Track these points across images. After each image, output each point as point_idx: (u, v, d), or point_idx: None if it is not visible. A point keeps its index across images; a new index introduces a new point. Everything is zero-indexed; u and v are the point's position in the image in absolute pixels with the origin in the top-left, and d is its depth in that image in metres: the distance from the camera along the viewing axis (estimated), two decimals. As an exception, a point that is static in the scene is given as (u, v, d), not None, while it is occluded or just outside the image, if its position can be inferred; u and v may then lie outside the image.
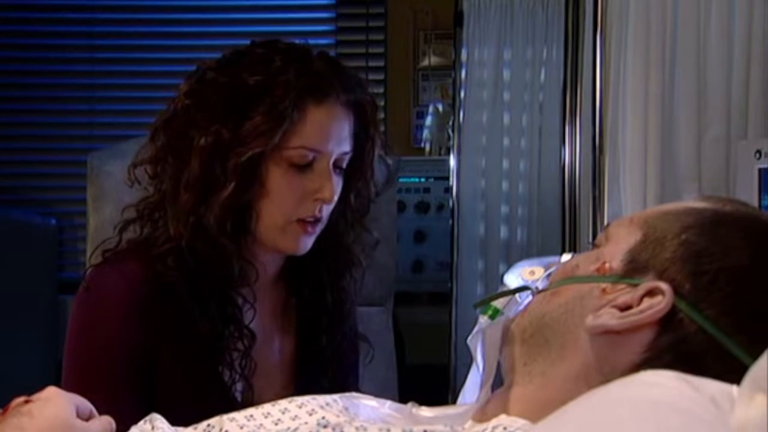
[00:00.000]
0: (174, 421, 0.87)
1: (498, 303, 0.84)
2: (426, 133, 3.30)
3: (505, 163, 2.94)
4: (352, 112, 1.25)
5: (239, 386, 1.25)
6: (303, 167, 1.21)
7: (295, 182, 1.21)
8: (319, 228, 1.25)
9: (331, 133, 1.22)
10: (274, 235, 1.23)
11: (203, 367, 1.22)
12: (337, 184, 1.24)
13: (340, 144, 1.23)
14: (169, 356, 1.21)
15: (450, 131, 3.00)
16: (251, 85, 1.20)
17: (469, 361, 0.88)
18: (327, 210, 1.25)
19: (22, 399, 0.81)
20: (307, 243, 1.25)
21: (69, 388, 1.17)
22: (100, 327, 1.20)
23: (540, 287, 0.84)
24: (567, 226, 2.47)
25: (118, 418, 0.88)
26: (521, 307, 0.84)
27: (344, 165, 1.26)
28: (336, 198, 1.23)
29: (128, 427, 0.87)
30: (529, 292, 0.84)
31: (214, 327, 1.21)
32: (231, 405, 1.12)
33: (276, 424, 0.80)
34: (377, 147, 1.29)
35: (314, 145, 1.21)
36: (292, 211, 1.22)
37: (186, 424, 0.85)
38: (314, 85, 1.21)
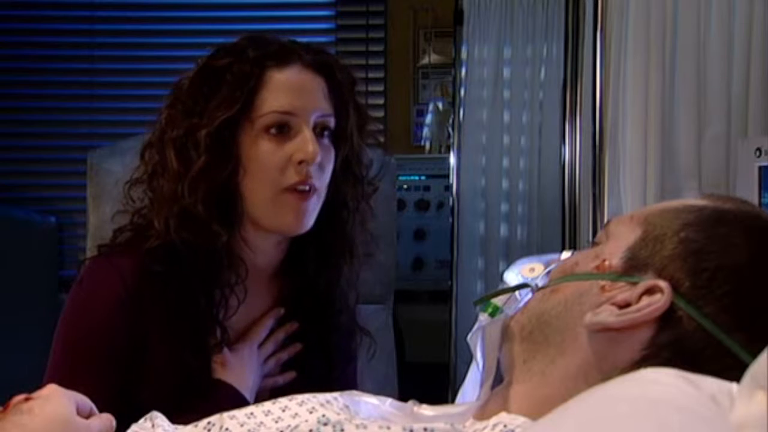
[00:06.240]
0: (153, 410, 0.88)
1: (498, 300, 0.84)
2: (426, 131, 3.30)
3: (505, 161, 2.94)
4: (322, 75, 1.23)
5: None
6: (281, 135, 1.20)
7: (274, 150, 1.19)
8: (314, 200, 1.22)
9: (298, 93, 1.20)
10: (268, 211, 1.21)
11: (193, 366, 1.21)
12: (326, 149, 1.22)
13: (314, 105, 1.21)
14: (158, 352, 1.20)
15: (450, 129, 3.01)
16: (218, 67, 1.21)
17: (469, 358, 0.88)
18: (317, 173, 1.21)
19: (22, 396, 0.81)
20: (306, 217, 1.22)
21: (52, 372, 1.18)
22: (86, 315, 1.21)
23: (540, 285, 0.84)
24: (567, 224, 2.47)
25: (98, 405, 0.88)
26: (521, 305, 0.84)
27: (328, 131, 1.24)
28: (319, 159, 1.20)
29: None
30: (528, 289, 0.84)
31: (202, 323, 1.21)
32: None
33: (276, 421, 0.80)
34: (358, 117, 1.27)
35: (283, 107, 1.19)
36: (277, 179, 1.19)
37: (170, 417, 0.86)
38: (275, 53, 1.21)
